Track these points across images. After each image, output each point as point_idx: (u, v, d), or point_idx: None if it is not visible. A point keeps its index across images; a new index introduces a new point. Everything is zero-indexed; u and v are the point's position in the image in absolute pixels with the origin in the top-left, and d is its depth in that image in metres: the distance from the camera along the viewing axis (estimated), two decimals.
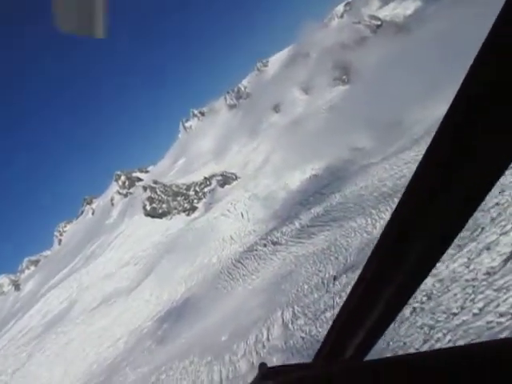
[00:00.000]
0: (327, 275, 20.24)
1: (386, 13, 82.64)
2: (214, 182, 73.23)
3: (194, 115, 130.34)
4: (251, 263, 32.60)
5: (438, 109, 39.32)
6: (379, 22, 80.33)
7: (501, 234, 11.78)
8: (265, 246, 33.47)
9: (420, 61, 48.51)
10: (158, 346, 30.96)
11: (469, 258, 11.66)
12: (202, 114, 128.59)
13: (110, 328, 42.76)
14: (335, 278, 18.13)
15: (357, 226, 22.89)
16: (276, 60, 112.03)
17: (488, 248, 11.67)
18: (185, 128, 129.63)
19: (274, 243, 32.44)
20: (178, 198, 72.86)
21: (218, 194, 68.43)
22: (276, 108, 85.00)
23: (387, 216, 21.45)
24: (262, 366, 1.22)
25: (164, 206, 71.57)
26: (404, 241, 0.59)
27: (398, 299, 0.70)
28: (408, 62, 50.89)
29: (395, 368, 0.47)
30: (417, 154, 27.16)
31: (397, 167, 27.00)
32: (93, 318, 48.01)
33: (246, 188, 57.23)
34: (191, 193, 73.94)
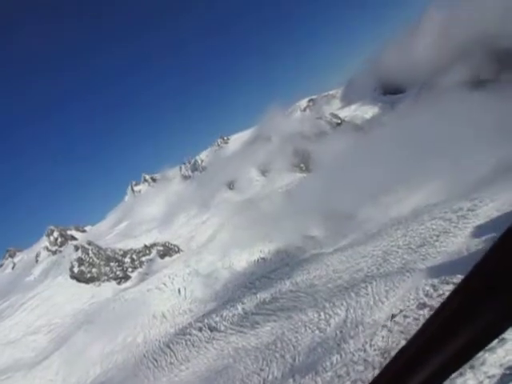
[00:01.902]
0: (270, 376, 17.29)
1: (346, 113, 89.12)
2: (153, 252, 69.02)
3: (146, 180, 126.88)
4: (182, 350, 28.70)
5: (389, 208, 40.07)
6: (339, 121, 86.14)
7: None
8: (200, 330, 29.90)
9: (375, 160, 50.74)
10: None
11: None
12: (154, 180, 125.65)
13: None
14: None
15: (308, 320, 20.56)
16: (237, 138, 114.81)
17: None
18: (133, 191, 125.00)
19: (212, 329, 29.02)
20: (111, 264, 67.05)
21: (157, 264, 64.29)
22: (231, 184, 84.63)
23: (342, 312, 19.39)
24: None
25: (94, 270, 65.24)
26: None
27: None
28: (364, 160, 53.15)
29: None
30: (373, 248, 26.14)
31: (353, 260, 25.69)
32: None
33: (187, 262, 53.96)
34: (127, 260, 68.64)
